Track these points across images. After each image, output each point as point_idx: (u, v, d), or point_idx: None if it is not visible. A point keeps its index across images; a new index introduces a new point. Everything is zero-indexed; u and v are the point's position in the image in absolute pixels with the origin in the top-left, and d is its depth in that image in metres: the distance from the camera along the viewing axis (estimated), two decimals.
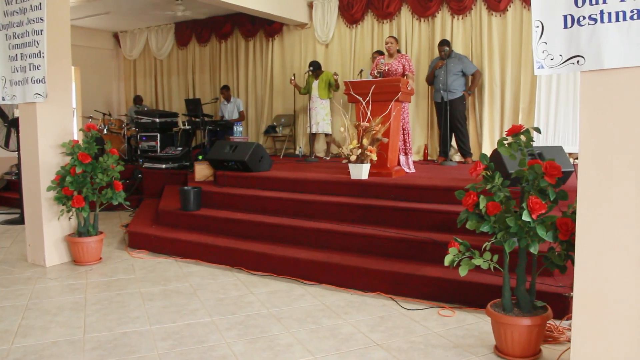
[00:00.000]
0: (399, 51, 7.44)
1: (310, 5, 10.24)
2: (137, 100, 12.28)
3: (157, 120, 8.97)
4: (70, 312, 4.06)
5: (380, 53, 8.92)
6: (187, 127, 9.20)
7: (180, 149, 8.76)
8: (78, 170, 5.23)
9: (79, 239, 5.40)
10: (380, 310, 4.06)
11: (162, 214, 6.48)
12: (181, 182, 7.90)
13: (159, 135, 8.98)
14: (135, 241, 6.12)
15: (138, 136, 9.38)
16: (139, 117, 9.31)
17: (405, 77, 7.00)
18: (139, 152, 9.39)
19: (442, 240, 4.43)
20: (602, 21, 2.40)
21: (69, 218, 5.57)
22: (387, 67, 7.06)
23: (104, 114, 10.84)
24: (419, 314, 3.97)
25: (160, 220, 6.48)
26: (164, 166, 8.61)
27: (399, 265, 4.52)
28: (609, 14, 2.38)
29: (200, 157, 7.70)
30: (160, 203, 6.93)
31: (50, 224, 5.43)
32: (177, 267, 5.32)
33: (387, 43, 7.34)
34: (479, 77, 8.46)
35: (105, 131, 10.34)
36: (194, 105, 9.38)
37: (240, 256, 5.25)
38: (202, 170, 7.36)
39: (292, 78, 9.36)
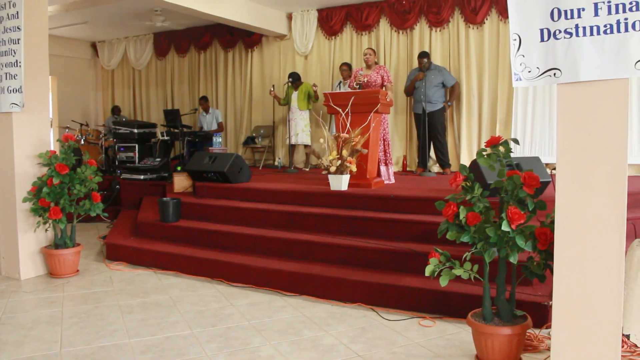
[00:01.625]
0: (377, 63, 7.50)
1: (290, 17, 10.29)
2: (115, 110, 12.19)
3: (136, 130, 8.91)
4: (46, 326, 4.00)
5: (348, 65, 9.02)
6: (166, 137, 9.14)
7: (158, 159, 8.71)
8: (55, 181, 5.17)
9: (55, 251, 5.33)
10: (361, 321, 4.06)
11: (141, 225, 6.42)
12: (160, 193, 7.85)
13: (137, 146, 8.91)
14: (114, 253, 6.05)
15: (116, 147, 9.30)
16: (117, 127, 9.23)
17: (384, 89, 7.06)
18: (117, 163, 9.30)
19: (423, 251, 4.45)
20: (577, 35, 2.45)
21: (46, 230, 5.50)
22: (365, 79, 7.11)
23: (82, 125, 10.74)
24: (400, 325, 3.98)
25: (138, 231, 6.43)
26: (142, 177, 8.55)
27: (380, 275, 4.53)
28: (584, 28, 2.44)
29: (179, 168, 7.66)
30: (138, 214, 6.87)
31: (25, 236, 5.35)
32: (156, 279, 5.28)
33: (365, 55, 7.41)
34: (458, 88, 8.56)
35: (82, 142, 10.24)
36: (172, 116, 9.34)
37: (220, 268, 5.22)
38: (181, 182, 7.32)
39: (272, 89, 9.38)
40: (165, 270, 5.56)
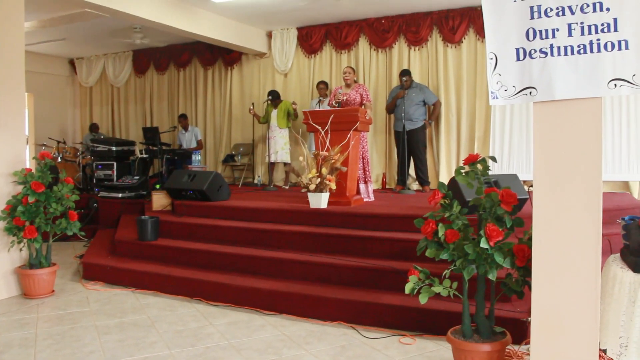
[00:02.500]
0: (356, 81, 7.55)
1: (270, 35, 10.33)
2: (93, 128, 12.09)
3: (114, 148, 8.85)
4: (19, 348, 3.92)
5: (324, 83, 9.09)
6: (145, 155, 9.09)
7: (137, 177, 8.65)
8: (31, 199, 5.11)
9: (30, 271, 5.25)
10: (341, 340, 4.05)
11: (119, 244, 6.36)
12: (138, 211, 7.78)
13: (115, 163, 8.84)
14: (90, 272, 5.98)
15: (94, 165, 9.22)
16: (95, 145, 9.16)
17: (363, 107, 7.10)
18: (94, 181, 9.21)
19: (402, 269, 4.46)
20: (552, 54, 2.50)
21: (20, 249, 5.41)
22: (345, 97, 7.15)
23: (59, 142, 10.62)
24: (380, 343, 3.98)
25: (116, 250, 6.36)
26: (120, 195, 8.48)
27: (359, 293, 4.53)
28: (558, 48, 2.49)
29: (157, 186, 7.61)
30: (116, 233, 6.80)
31: None
32: (134, 299, 5.22)
33: (344, 73, 7.46)
34: (439, 106, 8.63)
35: (59, 159, 10.12)
36: (151, 134, 9.29)
37: (199, 287, 5.19)
38: (159, 200, 7.27)
39: (251, 107, 9.39)
40: (144, 289, 5.50)
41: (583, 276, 2.46)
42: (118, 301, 5.15)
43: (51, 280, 5.38)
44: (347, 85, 7.41)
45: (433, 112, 8.63)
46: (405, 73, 8.37)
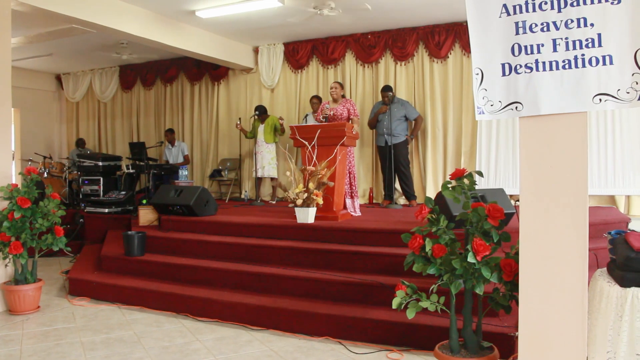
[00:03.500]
0: (343, 96, 7.56)
1: (256, 50, 10.35)
2: (80, 143, 12.02)
3: (100, 163, 8.79)
4: None
5: (318, 97, 9.09)
6: (131, 170, 9.04)
7: (123, 193, 8.59)
8: (17, 215, 5.05)
9: (15, 287, 5.17)
10: (329, 355, 4.01)
11: (105, 259, 6.29)
12: (125, 226, 7.72)
13: (101, 179, 8.78)
14: (76, 288, 5.90)
15: (80, 180, 9.16)
16: (81, 160, 9.11)
17: (350, 122, 7.11)
18: (81, 196, 9.15)
19: (389, 283, 4.44)
20: (537, 70, 2.51)
21: (5, 265, 5.34)
22: (332, 112, 7.16)
23: (45, 157, 10.54)
24: (368, 358, 3.95)
25: (102, 266, 6.29)
26: (106, 210, 8.41)
27: (347, 309, 4.50)
28: (544, 63, 2.50)
29: (144, 202, 7.57)
30: (102, 248, 6.73)
31: None
32: (120, 315, 5.15)
33: (331, 88, 7.47)
34: (420, 122, 8.66)
35: (45, 175, 10.03)
36: (138, 149, 9.25)
37: (186, 302, 5.13)
38: (146, 215, 7.22)
39: (238, 122, 9.37)
40: (130, 305, 5.44)
41: (570, 290, 2.45)
42: (104, 317, 5.08)
43: (37, 296, 5.31)
44: (335, 100, 7.42)
45: (415, 127, 8.64)
46: (387, 89, 8.39)
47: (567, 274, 2.46)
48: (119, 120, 12.50)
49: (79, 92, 12.83)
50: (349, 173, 6.92)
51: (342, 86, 7.58)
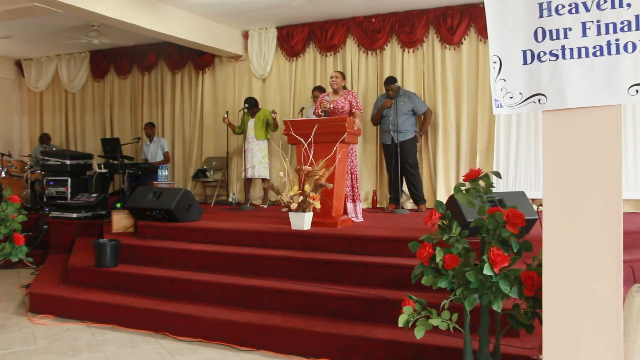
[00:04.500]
0: (345, 87, 7.56)
1: (246, 36, 10.34)
2: (44, 139, 11.99)
3: (68, 162, 8.78)
4: None
5: (320, 89, 9.07)
6: (104, 170, 9.02)
7: (95, 195, 8.57)
8: None
9: None
10: None
11: (73, 271, 6.28)
12: (96, 234, 7.71)
13: (69, 179, 8.77)
14: (38, 305, 5.87)
15: (44, 180, 9.13)
16: (46, 158, 9.08)
17: (352, 116, 7.10)
18: (45, 200, 9.13)
19: (395, 298, 4.43)
20: (563, 57, 2.50)
21: None
22: (332, 105, 7.14)
23: (3, 154, 10.51)
24: None
25: (69, 279, 6.28)
26: (75, 215, 8.38)
27: (348, 326, 4.49)
28: (571, 49, 2.49)
29: (118, 205, 7.55)
30: (70, 259, 6.72)
31: None
32: (89, 334, 5.14)
33: (332, 78, 7.45)
34: (430, 116, 8.66)
35: (3, 174, 10.00)
36: (111, 146, 9.23)
37: (165, 320, 5.12)
38: (120, 221, 7.21)
39: (225, 116, 9.37)
40: (101, 323, 5.42)
41: (602, 308, 2.44)
42: (70, 337, 5.06)
43: None
44: (335, 92, 7.41)
45: (424, 122, 8.65)
46: (391, 81, 8.39)
47: (599, 290, 2.45)
48: (89, 113, 12.49)
49: (43, 80, 12.79)
50: (351, 174, 6.91)
51: (343, 76, 7.57)
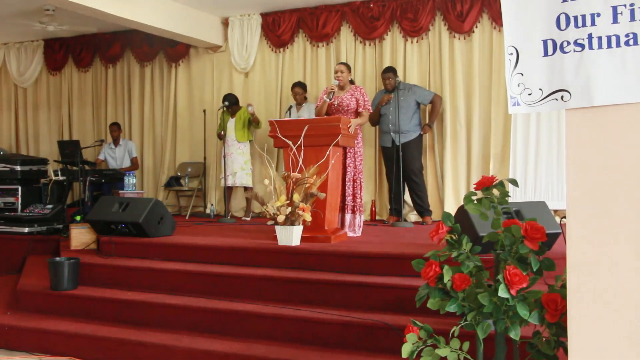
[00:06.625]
0: (352, 82, 7.52)
1: (226, 23, 10.34)
2: None
3: (18, 168, 8.74)
4: None
5: (301, 85, 9.08)
6: (61, 177, 8.99)
7: (50, 207, 8.54)
8: None
9: None
10: None
11: (23, 295, 6.24)
12: (51, 251, 7.67)
13: (20, 188, 8.73)
14: None
15: None
16: None
17: (359, 116, 7.07)
18: None
19: (397, 324, 4.42)
20: (590, 47, 2.49)
21: None
22: (336, 102, 7.11)
23: None
24: None
25: (19, 304, 6.23)
26: (26, 230, 8.32)
27: (343, 357, 4.49)
28: (599, 38, 2.48)
29: (78, 218, 7.52)
30: (20, 281, 6.67)
31: None
32: None
33: (336, 72, 7.29)
34: (439, 103, 8.63)
35: None
36: (70, 149, 9.20)
37: (132, 351, 5.10)
38: (80, 236, 7.18)
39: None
40: (56, 355, 5.38)
41: (638, 337, 2.44)
42: None
43: None
44: (341, 88, 7.36)
45: (432, 112, 8.64)
46: (389, 70, 8.42)
47: (633, 315, 2.45)
48: (44, 111, 12.42)
49: None
50: (353, 181, 6.91)
51: (349, 69, 7.49)
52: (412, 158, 8.34)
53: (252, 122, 9.23)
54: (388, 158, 8.51)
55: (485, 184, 3.27)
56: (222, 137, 9.40)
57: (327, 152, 6.25)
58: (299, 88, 9.15)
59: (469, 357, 3.20)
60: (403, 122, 8.24)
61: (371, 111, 7.44)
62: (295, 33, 9.95)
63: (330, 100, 6.95)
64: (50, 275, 6.11)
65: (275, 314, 5.04)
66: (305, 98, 9.25)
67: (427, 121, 8.70)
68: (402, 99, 8.29)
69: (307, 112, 9.01)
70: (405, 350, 3.22)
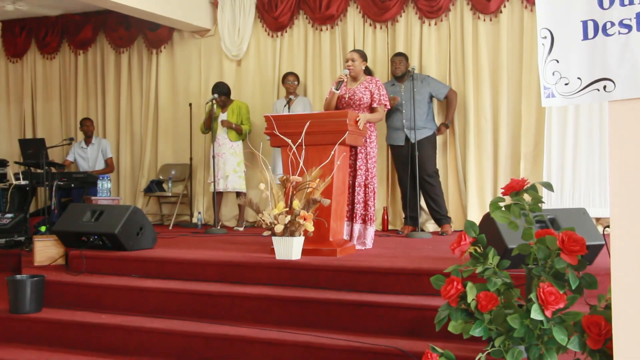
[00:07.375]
0: (370, 72, 7.46)
1: (215, 3, 10.34)
2: None
3: None
4: None
5: (294, 75, 9.10)
6: (23, 182, 9.01)
7: (10, 216, 8.55)
8: None
9: None
10: None
11: None
12: (11, 267, 7.64)
13: None
14: None
15: None
16: None
17: (374, 111, 7.03)
18: None
19: (413, 351, 4.42)
20: (638, 29, 2.49)
21: None
22: (348, 95, 7.07)
23: None
24: None
25: None
26: None
27: None
28: None
29: (43, 229, 7.54)
30: None
31: None
32: None
33: (348, 61, 7.16)
34: (455, 99, 8.63)
35: None
36: (34, 149, 9.22)
37: None
38: (46, 249, 7.17)
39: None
40: None
41: None
42: None
43: None
44: (353, 79, 7.29)
45: (449, 108, 8.65)
46: (399, 55, 8.45)
47: None
48: (2, 104, 12.42)
49: None
50: (365, 186, 6.88)
51: (363, 57, 7.37)
52: (428, 157, 8.34)
53: (235, 130, 9.23)
54: (400, 159, 8.50)
55: (515, 188, 3.27)
56: (205, 131, 9.43)
57: (332, 152, 6.24)
58: (292, 76, 9.16)
59: None
60: (418, 117, 8.21)
61: (388, 107, 7.38)
62: (294, 14, 9.94)
63: (338, 91, 6.90)
64: (9, 296, 6.08)
65: (273, 339, 5.03)
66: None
67: (446, 116, 8.71)
68: (415, 90, 8.21)
69: (301, 107, 9.02)
70: None
